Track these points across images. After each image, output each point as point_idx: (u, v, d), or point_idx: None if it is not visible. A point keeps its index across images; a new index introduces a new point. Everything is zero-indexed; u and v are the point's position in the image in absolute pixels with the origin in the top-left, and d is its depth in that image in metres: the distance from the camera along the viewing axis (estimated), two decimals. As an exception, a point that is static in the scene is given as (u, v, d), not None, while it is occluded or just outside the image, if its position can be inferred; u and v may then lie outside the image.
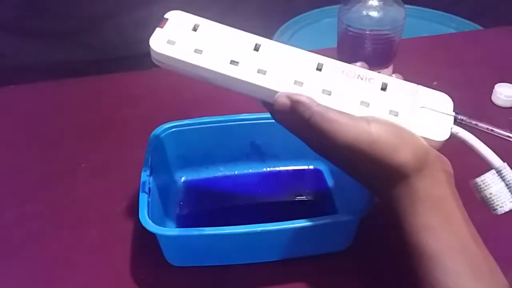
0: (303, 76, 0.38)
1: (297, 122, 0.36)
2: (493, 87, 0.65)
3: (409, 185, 0.35)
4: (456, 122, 0.39)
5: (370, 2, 0.61)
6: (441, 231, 0.34)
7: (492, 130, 0.59)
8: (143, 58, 0.73)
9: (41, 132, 0.62)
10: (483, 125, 0.59)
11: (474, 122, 0.59)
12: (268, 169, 0.55)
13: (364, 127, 0.35)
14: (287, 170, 0.55)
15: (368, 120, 0.35)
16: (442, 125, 0.37)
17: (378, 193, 0.38)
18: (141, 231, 0.41)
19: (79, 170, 0.56)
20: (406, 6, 0.62)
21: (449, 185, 0.35)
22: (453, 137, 0.37)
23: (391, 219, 0.36)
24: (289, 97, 0.36)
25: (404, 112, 0.37)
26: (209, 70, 0.38)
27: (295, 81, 0.38)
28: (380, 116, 0.36)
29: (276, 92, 0.37)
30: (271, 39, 0.40)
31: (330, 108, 0.36)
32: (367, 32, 0.61)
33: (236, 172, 0.54)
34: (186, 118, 0.52)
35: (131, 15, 0.69)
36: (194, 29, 0.39)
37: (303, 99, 0.36)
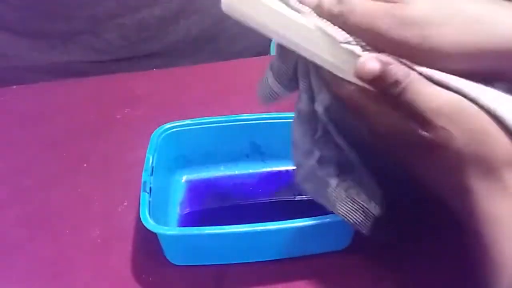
0: None
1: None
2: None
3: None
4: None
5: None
6: None
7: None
8: (143, 58, 0.74)
9: (41, 132, 0.62)
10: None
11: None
12: (268, 169, 0.55)
13: None
14: (287, 170, 0.55)
15: None
16: None
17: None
18: (142, 231, 0.41)
19: (79, 170, 0.56)
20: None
21: None
22: None
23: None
24: (381, 60, 0.28)
25: None
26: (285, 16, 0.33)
27: None
28: None
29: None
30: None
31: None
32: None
33: (236, 172, 0.54)
34: (187, 118, 0.52)
35: (132, 16, 0.69)
36: None
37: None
